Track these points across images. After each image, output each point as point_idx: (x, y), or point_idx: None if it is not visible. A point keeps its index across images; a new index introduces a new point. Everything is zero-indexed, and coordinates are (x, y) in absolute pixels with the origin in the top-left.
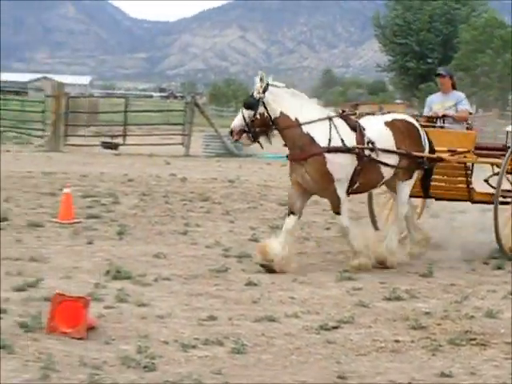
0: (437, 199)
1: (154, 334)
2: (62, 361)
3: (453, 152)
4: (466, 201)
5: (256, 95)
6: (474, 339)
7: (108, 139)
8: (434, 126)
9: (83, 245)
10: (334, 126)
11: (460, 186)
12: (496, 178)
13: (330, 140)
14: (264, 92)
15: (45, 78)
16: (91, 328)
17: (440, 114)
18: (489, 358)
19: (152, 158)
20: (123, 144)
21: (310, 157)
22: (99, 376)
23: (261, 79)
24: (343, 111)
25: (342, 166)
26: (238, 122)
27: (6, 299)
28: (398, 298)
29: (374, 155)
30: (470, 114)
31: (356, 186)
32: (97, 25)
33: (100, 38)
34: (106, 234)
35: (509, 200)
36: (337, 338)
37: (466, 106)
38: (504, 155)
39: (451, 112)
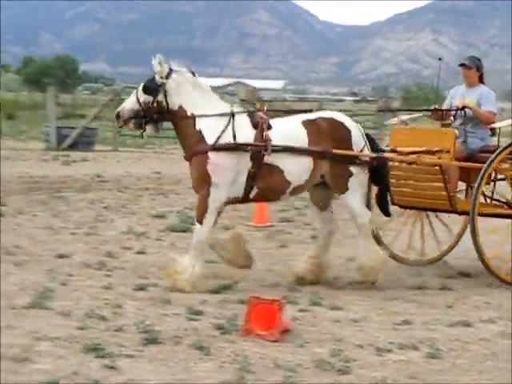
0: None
1: (348, 338)
2: (257, 363)
3: (428, 152)
4: (450, 211)
5: (158, 80)
6: None
7: None
8: (449, 124)
9: (277, 248)
10: (233, 122)
11: (438, 193)
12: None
13: (218, 137)
14: (167, 78)
15: (238, 82)
16: (286, 331)
17: (460, 105)
18: None
19: None
20: None
21: (194, 155)
22: (294, 378)
23: (159, 63)
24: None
25: (223, 169)
26: (129, 105)
27: (203, 301)
28: None
29: (268, 155)
30: (494, 115)
31: (255, 191)
32: (289, 29)
33: (292, 43)
34: (299, 237)
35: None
36: None
37: (489, 107)
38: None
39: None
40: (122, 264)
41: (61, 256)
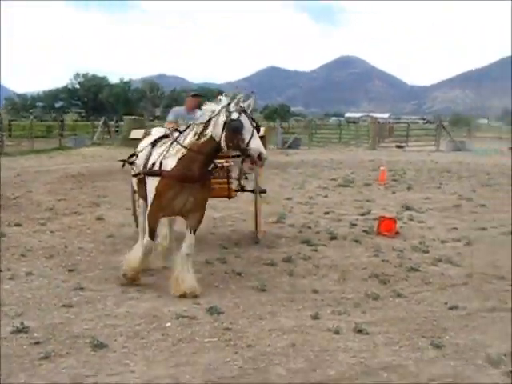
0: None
1: (427, 236)
2: (383, 247)
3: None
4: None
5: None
6: None
7: (398, 143)
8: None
9: (390, 194)
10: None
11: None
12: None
13: None
14: None
15: (367, 115)
16: (397, 233)
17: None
18: None
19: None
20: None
21: None
22: (402, 254)
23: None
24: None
25: None
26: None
27: (356, 219)
28: None
29: None
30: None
31: None
32: (391, 88)
33: (392, 94)
34: (400, 188)
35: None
36: None
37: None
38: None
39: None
40: (317, 201)
41: (288, 198)
